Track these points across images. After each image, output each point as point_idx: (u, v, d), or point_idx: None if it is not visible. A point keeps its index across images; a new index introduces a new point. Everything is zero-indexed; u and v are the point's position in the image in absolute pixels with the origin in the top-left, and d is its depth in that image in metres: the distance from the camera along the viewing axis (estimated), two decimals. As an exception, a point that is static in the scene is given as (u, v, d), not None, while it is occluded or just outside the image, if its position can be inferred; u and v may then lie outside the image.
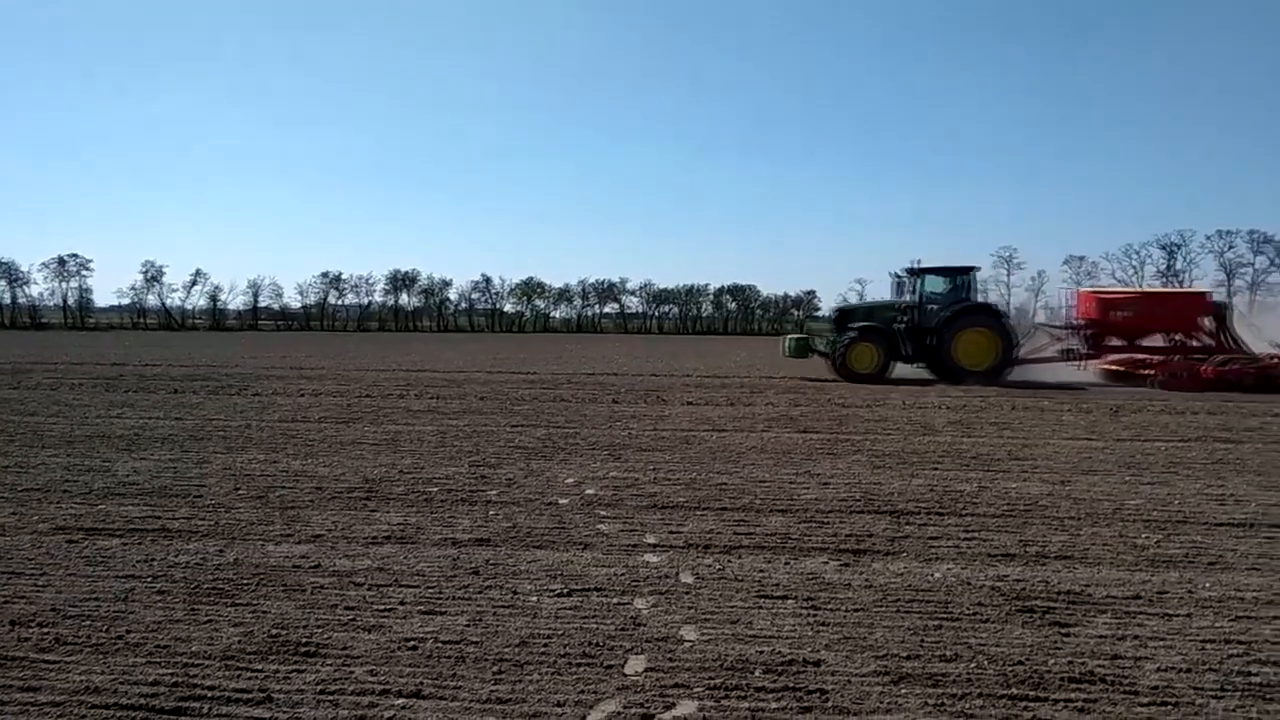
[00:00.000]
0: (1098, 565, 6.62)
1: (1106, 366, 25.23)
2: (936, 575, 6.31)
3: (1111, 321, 25.26)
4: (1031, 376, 25.17)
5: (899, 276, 26.38)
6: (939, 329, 24.83)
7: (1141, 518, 8.15)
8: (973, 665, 4.70)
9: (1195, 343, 24.97)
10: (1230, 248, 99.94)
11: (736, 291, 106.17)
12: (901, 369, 25.84)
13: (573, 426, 14.20)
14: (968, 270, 25.95)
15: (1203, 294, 25.80)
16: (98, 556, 6.57)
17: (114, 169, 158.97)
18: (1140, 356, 24.81)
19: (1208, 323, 25.14)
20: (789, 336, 29.72)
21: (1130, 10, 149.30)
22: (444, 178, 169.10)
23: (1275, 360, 23.24)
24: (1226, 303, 26.06)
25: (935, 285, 25.93)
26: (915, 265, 25.85)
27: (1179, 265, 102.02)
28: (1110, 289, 25.07)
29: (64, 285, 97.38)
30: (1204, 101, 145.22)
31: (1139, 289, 25.13)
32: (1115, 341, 25.37)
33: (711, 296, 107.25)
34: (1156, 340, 25.22)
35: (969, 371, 24.33)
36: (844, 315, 27.43)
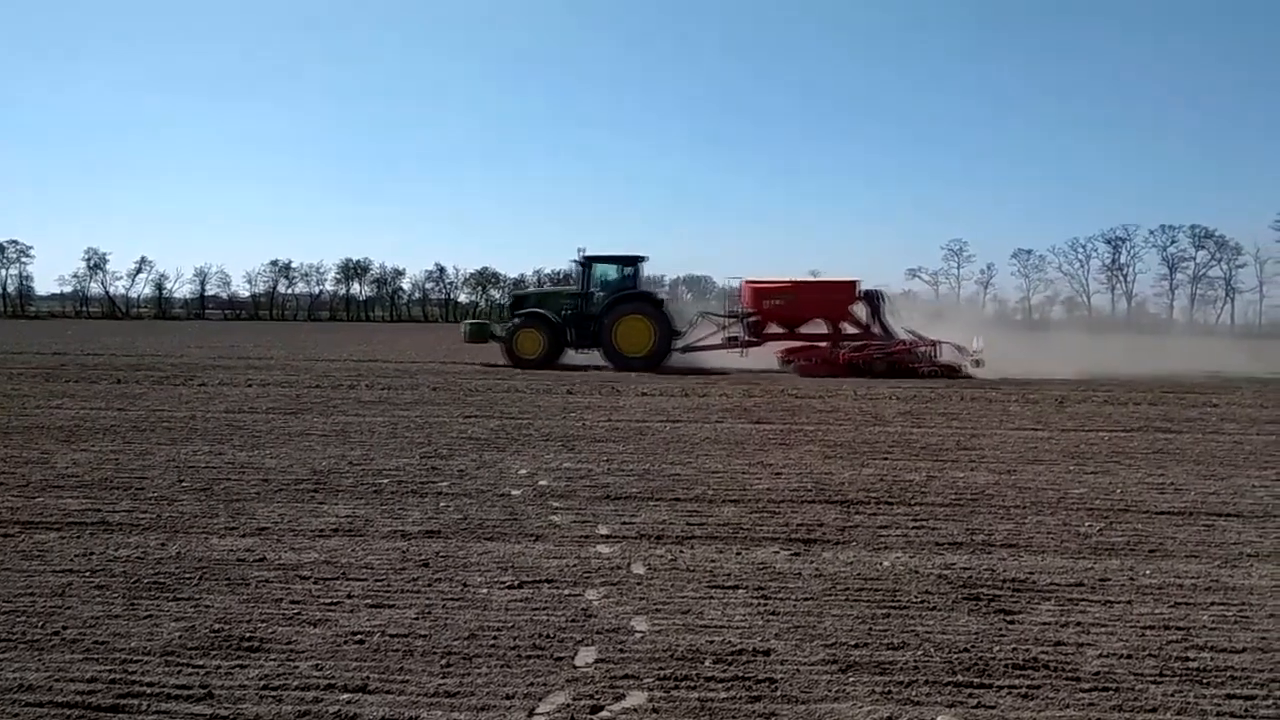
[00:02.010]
0: (1042, 553, 6.73)
1: (778, 353, 26.22)
2: (885, 564, 6.37)
3: (767, 310, 26.25)
4: (694, 363, 26.35)
5: (575, 264, 27.15)
6: (601, 316, 25.66)
7: (1085, 506, 8.31)
8: (919, 653, 4.75)
9: (852, 329, 26.17)
10: (1173, 242, 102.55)
11: (692, 282, 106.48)
12: (577, 356, 26.62)
13: (526, 417, 14.12)
14: (635, 260, 26.74)
15: (853, 283, 26.77)
16: (34, 551, 6.39)
17: (54, 153, 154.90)
18: (798, 344, 25.97)
19: (860, 310, 26.38)
20: (467, 321, 30.30)
21: (1075, 10, 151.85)
22: (397, 166, 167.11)
23: (904, 347, 24.85)
24: (879, 291, 27.23)
25: (605, 274, 26.75)
26: (582, 254, 26.57)
27: (1123, 259, 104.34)
28: (766, 279, 26.00)
29: (3, 272, 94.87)
30: (1149, 101, 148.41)
31: (791, 279, 26.03)
32: (775, 329, 26.40)
33: (667, 288, 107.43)
34: (821, 327, 26.46)
35: (628, 357, 25.20)
36: (517, 301, 28.26)
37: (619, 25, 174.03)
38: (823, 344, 25.56)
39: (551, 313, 26.28)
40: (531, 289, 31.35)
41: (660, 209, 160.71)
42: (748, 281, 27.31)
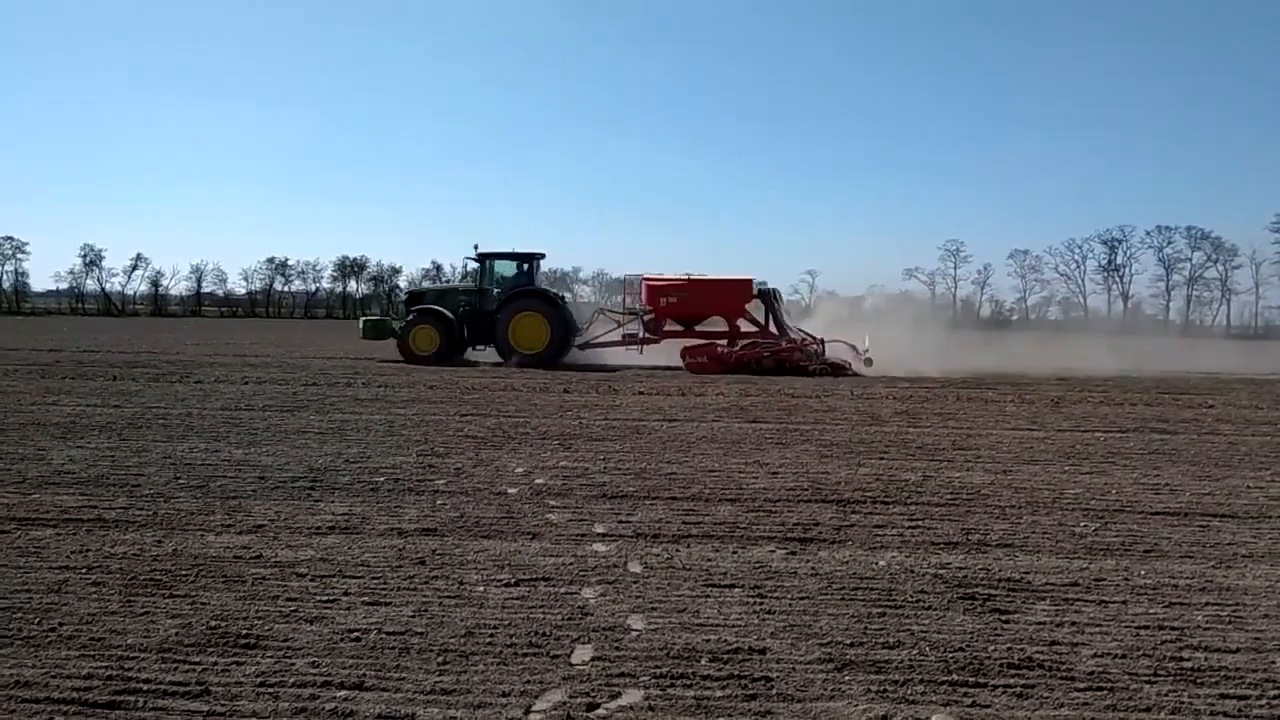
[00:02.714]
0: (1037, 553, 6.75)
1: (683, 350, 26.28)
2: (881, 563, 6.38)
3: (663, 307, 26.33)
4: (598, 359, 26.59)
5: (474, 261, 27.24)
6: (496, 312, 25.70)
7: (1080, 506, 8.33)
8: (915, 652, 4.76)
9: (749, 327, 26.30)
10: (1169, 243, 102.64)
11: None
12: (481, 352, 26.70)
13: (523, 416, 14.13)
14: (532, 257, 26.85)
15: (748, 281, 26.88)
16: (30, 547, 6.38)
17: (50, 150, 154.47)
18: (696, 341, 26.04)
19: (756, 308, 26.49)
20: (364, 318, 30.21)
21: (1072, 11, 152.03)
22: (394, 163, 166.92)
23: (793, 345, 25.01)
24: (773, 290, 27.34)
25: (503, 270, 26.81)
26: (477, 251, 26.65)
27: (1120, 260, 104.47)
28: (662, 277, 26.16)
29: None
30: (1145, 102, 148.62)
31: (687, 276, 26.23)
32: (674, 326, 26.51)
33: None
34: (721, 324, 26.56)
35: (523, 354, 25.20)
36: (413, 297, 28.27)
37: (618, 24, 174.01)
38: (721, 341, 25.64)
39: (447, 310, 26.27)
40: (429, 286, 31.30)
41: (659, 208, 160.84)
42: (645, 279, 27.41)
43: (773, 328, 26.19)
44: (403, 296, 31.45)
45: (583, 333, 26.81)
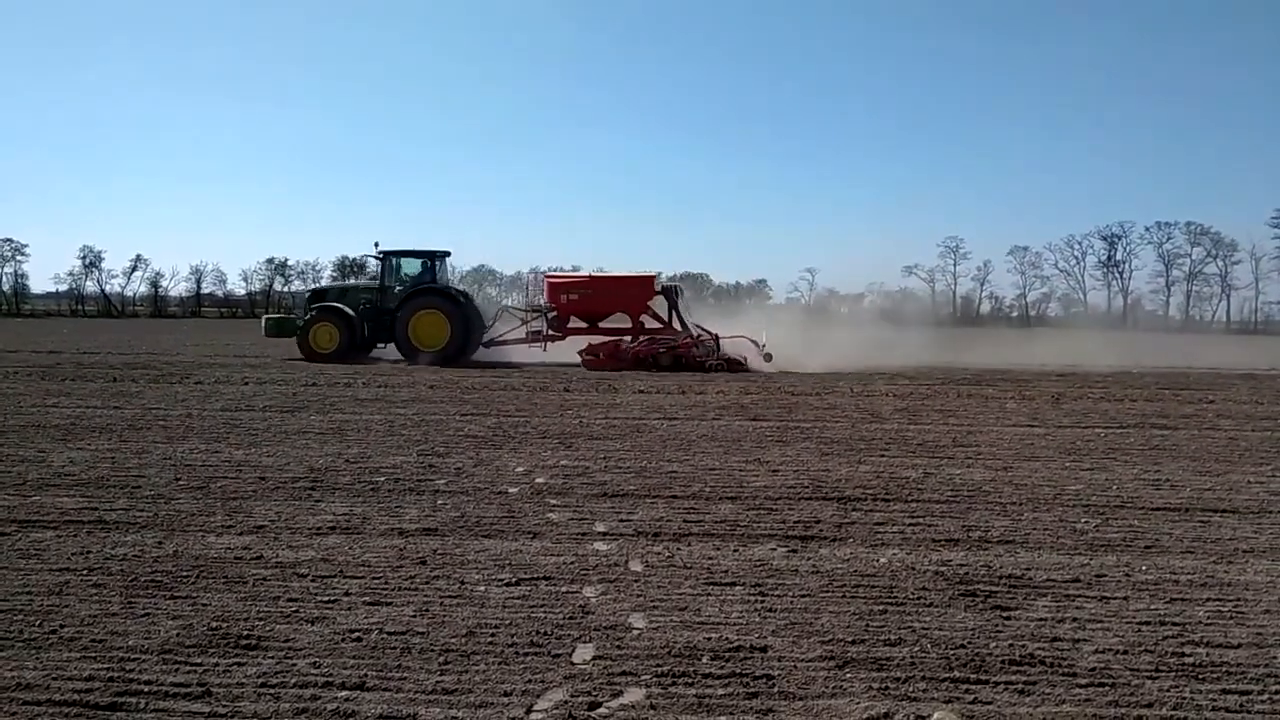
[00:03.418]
0: (1038, 549, 6.74)
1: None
2: (882, 561, 6.38)
3: (565, 304, 26.32)
4: (503, 356, 26.61)
5: (377, 258, 27.21)
6: (396, 310, 25.65)
7: (1081, 503, 8.33)
8: (916, 649, 4.76)
9: (653, 324, 26.34)
10: (1169, 239, 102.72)
11: (689, 279, 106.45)
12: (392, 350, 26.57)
13: (523, 415, 14.12)
14: (434, 255, 26.86)
15: (650, 278, 26.97)
16: (31, 549, 6.38)
17: (49, 151, 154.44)
18: (602, 338, 26.02)
19: (660, 305, 26.55)
20: (267, 316, 30.37)
21: (1070, 8, 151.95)
22: (393, 164, 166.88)
23: (690, 341, 24.89)
24: (677, 286, 27.51)
25: (407, 268, 26.83)
26: (378, 248, 26.67)
27: (1119, 256, 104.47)
28: (563, 274, 26.21)
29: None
30: (1145, 98, 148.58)
31: (588, 273, 26.37)
32: (579, 324, 26.52)
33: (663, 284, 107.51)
34: (625, 321, 26.61)
35: (423, 352, 25.13)
36: (316, 295, 28.23)
37: (617, 23, 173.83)
38: (626, 339, 25.68)
39: (349, 307, 26.23)
40: (332, 284, 31.43)
41: (657, 207, 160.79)
42: (546, 276, 27.45)
43: (676, 324, 26.22)
44: (306, 294, 31.36)
45: (489, 330, 26.85)
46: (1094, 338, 40.66)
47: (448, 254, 27.26)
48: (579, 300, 26.25)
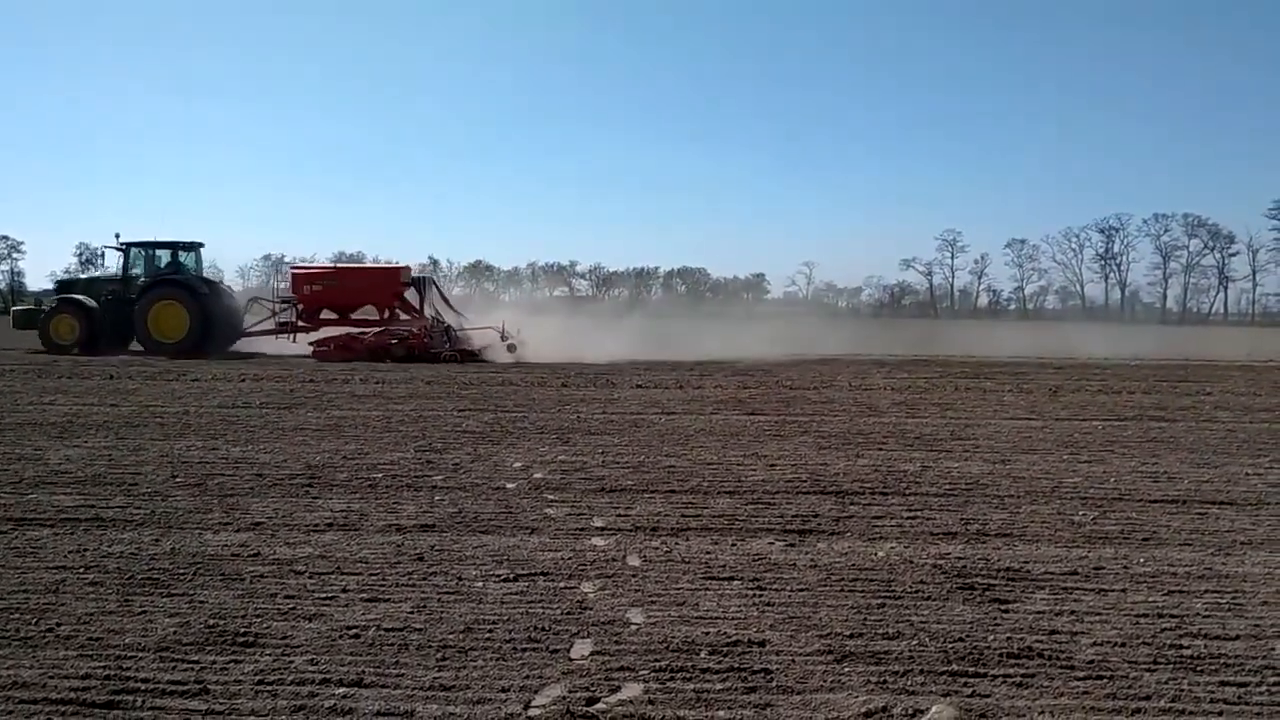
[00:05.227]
0: (1036, 542, 6.75)
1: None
2: (880, 554, 6.38)
3: (309, 295, 26.26)
4: (256, 347, 26.70)
5: (118, 249, 27.09)
6: (135, 302, 25.56)
7: (1079, 495, 8.33)
8: (914, 642, 4.76)
9: (405, 316, 26.35)
10: (1166, 231, 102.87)
11: (686, 274, 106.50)
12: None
13: (521, 410, 14.11)
14: (183, 246, 26.77)
15: (397, 269, 27.05)
16: (27, 547, 6.36)
17: (45, 148, 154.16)
18: (354, 330, 25.98)
19: (411, 296, 26.57)
20: (15, 307, 30.27)
21: (1071, 0, 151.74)
22: (391, 159, 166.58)
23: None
24: (427, 278, 27.54)
25: (158, 260, 26.72)
26: (118, 239, 26.66)
27: (1117, 248, 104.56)
28: (309, 265, 26.26)
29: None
30: (1141, 90, 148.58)
31: (334, 265, 26.36)
32: (330, 315, 26.47)
33: (661, 279, 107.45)
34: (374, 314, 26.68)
35: (162, 343, 25.03)
36: (62, 286, 28.09)
37: (615, 21, 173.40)
38: (358, 330, 25.72)
39: (91, 299, 26.06)
40: (81, 276, 31.52)
41: (656, 203, 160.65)
42: (292, 267, 27.44)
43: (429, 315, 26.26)
44: (53, 285, 31.33)
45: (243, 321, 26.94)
46: (1073, 330, 40.96)
47: (199, 245, 27.07)
48: (323, 291, 26.17)
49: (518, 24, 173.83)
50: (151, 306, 25.27)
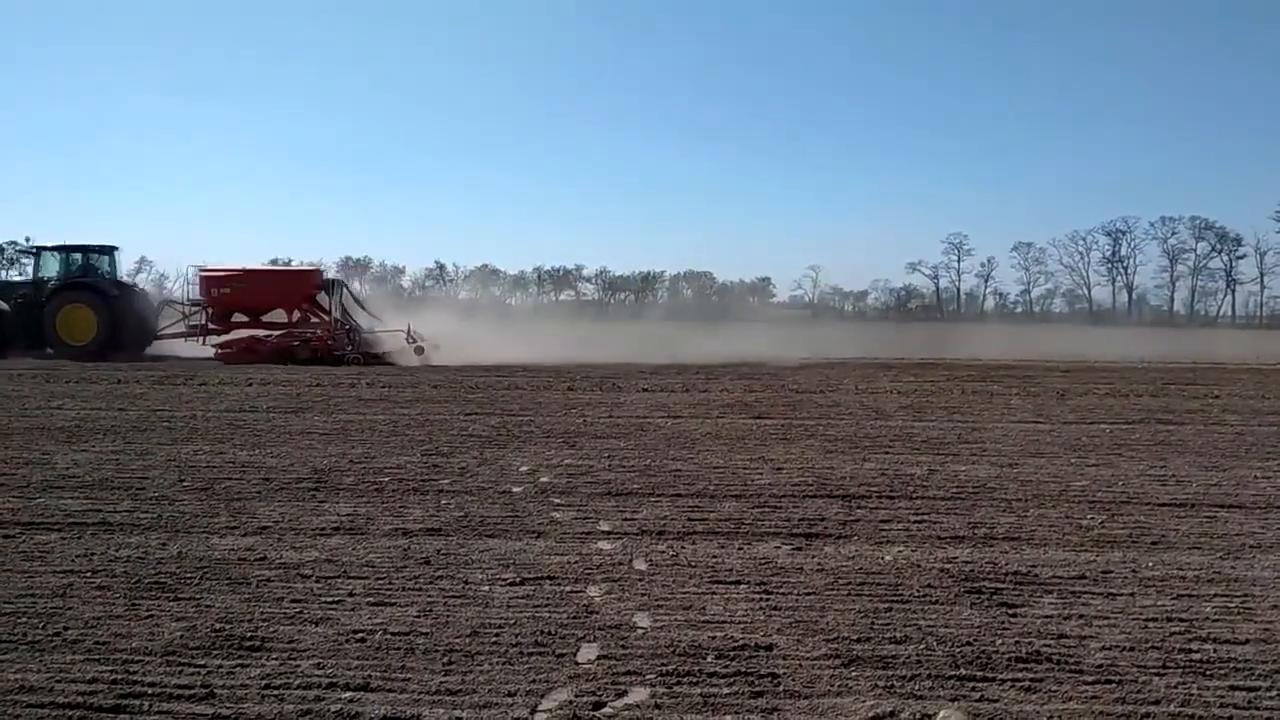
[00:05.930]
0: (1044, 546, 6.72)
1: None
2: (887, 558, 6.36)
3: (218, 298, 26.21)
4: (170, 350, 26.68)
5: (30, 253, 27.29)
6: (44, 305, 25.46)
7: (1087, 499, 8.30)
8: (922, 647, 4.74)
9: (315, 318, 26.41)
10: (1173, 234, 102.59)
11: (693, 277, 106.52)
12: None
13: (527, 414, 14.11)
14: (95, 249, 26.67)
15: (308, 273, 27.37)
16: (35, 551, 6.37)
17: (52, 153, 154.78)
18: (261, 333, 26.03)
19: (324, 299, 26.65)
20: None
21: (1074, 4, 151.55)
22: (396, 162, 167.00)
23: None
24: (338, 280, 27.68)
25: (69, 264, 26.58)
26: (29, 243, 26.99)
27: (1124, 251, 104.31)
28: (218, 268, 26.16)
29: (2, 274, 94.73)
30: (1148, 93, 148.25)
31: (244, 267, 26.36)
32: (242, 317, 26.45)
33: (667, 283, 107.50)
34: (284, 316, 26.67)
35: (70, 347, 24.92)
36: None
37: (618, 20, 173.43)
38: (261, 333, 25.76)
39: (3, 302, 26.11)
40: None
41: (659, 204, 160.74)
42: (200, 270, 27.33)
43: (336, 317, 26.33)
44: None
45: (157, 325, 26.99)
46: (1080, 333, 40.99)
47: (114, 249, 27.08)
48: (232, 294, 26.18)
49: (521, 25, 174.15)
50: (60, 309, 25.25)
